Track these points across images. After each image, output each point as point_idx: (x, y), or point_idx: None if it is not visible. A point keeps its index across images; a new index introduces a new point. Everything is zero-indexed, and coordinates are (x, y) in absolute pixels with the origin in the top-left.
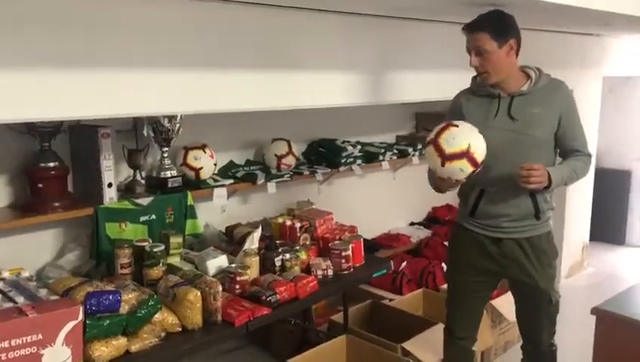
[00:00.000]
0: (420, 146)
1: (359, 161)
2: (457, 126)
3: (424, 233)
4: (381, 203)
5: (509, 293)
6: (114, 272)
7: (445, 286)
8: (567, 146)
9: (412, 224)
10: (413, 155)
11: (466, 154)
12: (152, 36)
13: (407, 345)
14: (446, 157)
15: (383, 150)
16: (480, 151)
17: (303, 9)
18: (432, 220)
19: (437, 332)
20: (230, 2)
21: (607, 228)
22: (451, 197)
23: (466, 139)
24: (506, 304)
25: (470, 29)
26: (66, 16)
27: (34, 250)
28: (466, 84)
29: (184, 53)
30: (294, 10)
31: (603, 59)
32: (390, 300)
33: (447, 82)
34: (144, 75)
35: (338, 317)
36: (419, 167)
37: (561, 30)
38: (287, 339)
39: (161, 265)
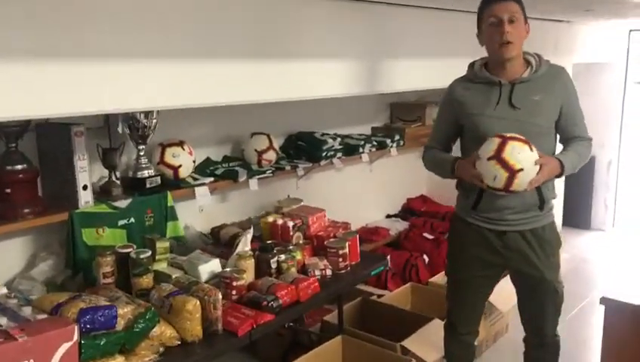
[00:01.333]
0: (397, 137)
1: (339, 154)
2: (532, 151)
3: (402, 225)
4: (358, 196)
5: (499, 283)
6: (94, 282)
7: (433, 279)
8: (569, 133)
9: (388, 216)
10: (392, 147)
11: (512, 172)
12: (129, 25)
13: (407, 344)
14: (498, 158)
15: (362, 142)
16: (519, 184)
17: None
18: (407, 211)
19: (434, 328)
20: None
21: (573, 212)
22: (425, 189)
23: (526, 165)
24: (496, 294)
25: None
26: (35, 6)
27: (1, 260)
28: (462, 71)
29: (165, 44)
30: None
31: (574, 46)
32: (379, 296)
33: (443, 70)
34: (125, 68)
35: (331, 317)
36: (396, 158)
37: (537, 17)
38: (275, 342)
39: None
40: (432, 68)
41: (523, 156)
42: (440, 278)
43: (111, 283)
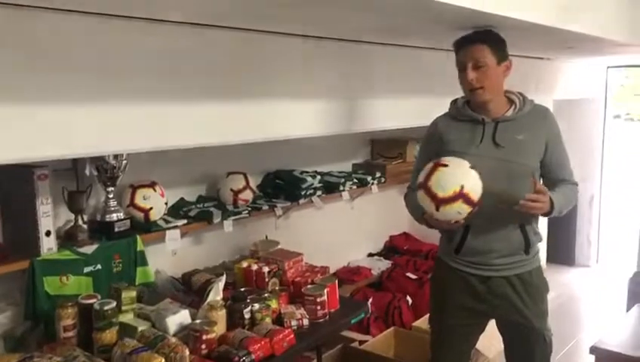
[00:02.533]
0: (378, 174)
1: (319, 193)
2: (447, 165)
3: (384, 264)
4: (339, 234)
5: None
6: (55, 336)
7: (416, 323)
8: (554, 175)
9: (370, 255)
10: (373, 184)
11: (460, 196)
12: (95, 64)
13: None
14: (440, 202)
15: (342, 180)
16: (475, 190)
17: (266, 32)
18: (390, 250)
19: None
20: (183, 24)
21: (557, 249)
22: (408, 226)
23: (459, 179)
24: (481, 338)
25: (470, 40)
26: None
27: None
28: (441, 109)
29: (136, 84)
30: (255, 33)
31: (555, 83)
32: (360, 342)
33: (423, 108)
34: (94, 110)
35: None
36: (377, 195)
37: (518, 54)
38: None
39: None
40: (411, 106)
41: (448, 178)
42: (423, 323)
43: (72, 337)
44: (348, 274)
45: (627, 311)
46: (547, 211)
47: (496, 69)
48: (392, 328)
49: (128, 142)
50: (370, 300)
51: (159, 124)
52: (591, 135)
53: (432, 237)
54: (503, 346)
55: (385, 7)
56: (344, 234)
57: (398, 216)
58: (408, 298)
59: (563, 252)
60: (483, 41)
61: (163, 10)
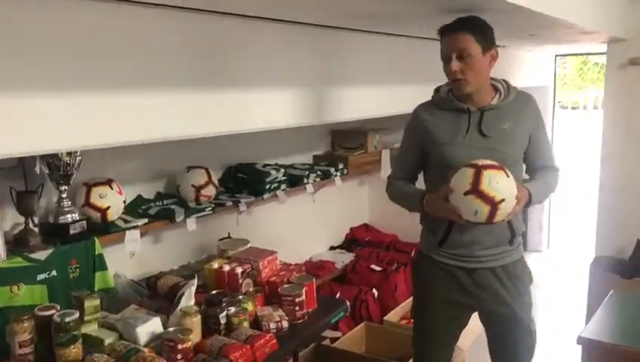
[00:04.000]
0: (340, 166)
1: (284, 186)
2: (509, 176)
3: (347, 257)
4: (301, 228)
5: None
6: (8, 353)
7: (387, 317)
8: (537, 162)
9: (332, 248)
10: (336, 176)
11: (493, 204)
12: (39, 50)
13: None
14: (476, 191)
15: (306, 172)
16: (502, 213)
17: (233, 15)
18: (351, 242)
19: None
20: (140, 4)
21: None
22: (368, 217)
23: (506, 194)
24: None
25: (453, 29)
26: None
27: None
28: (417, 97)
29: (87, 73)
30: (222, 16)
31: (508, 71)
32: (332, 340)
33: (397, 97)
34: (40, 102)
35: None
36: (339, 187)
37: None
38: None
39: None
40: (385, 95)
41: (502, 185)
42: (394, 316)
43: (29, 353)
44: (312, 269)
45: (589, 295)
46: (526, 203)
47: (482, 60)
48: (362, 323)
49: (86, 138)
50: (338, 295)
51: (111, 117)
52: None
53: (394, 227)
54: (475, 338)
55: None
56: (306, 228)
57: (358, 208)
58: (374, 290)
59: None
60: (467, 30)
61: None
